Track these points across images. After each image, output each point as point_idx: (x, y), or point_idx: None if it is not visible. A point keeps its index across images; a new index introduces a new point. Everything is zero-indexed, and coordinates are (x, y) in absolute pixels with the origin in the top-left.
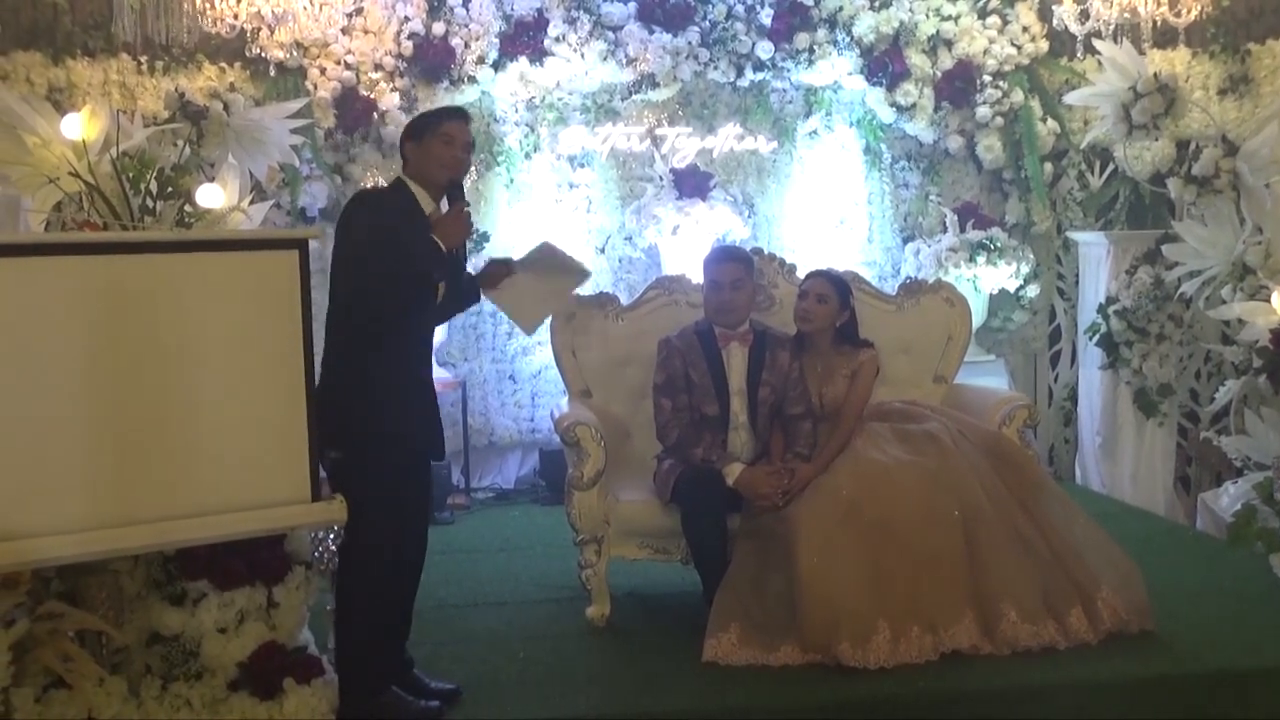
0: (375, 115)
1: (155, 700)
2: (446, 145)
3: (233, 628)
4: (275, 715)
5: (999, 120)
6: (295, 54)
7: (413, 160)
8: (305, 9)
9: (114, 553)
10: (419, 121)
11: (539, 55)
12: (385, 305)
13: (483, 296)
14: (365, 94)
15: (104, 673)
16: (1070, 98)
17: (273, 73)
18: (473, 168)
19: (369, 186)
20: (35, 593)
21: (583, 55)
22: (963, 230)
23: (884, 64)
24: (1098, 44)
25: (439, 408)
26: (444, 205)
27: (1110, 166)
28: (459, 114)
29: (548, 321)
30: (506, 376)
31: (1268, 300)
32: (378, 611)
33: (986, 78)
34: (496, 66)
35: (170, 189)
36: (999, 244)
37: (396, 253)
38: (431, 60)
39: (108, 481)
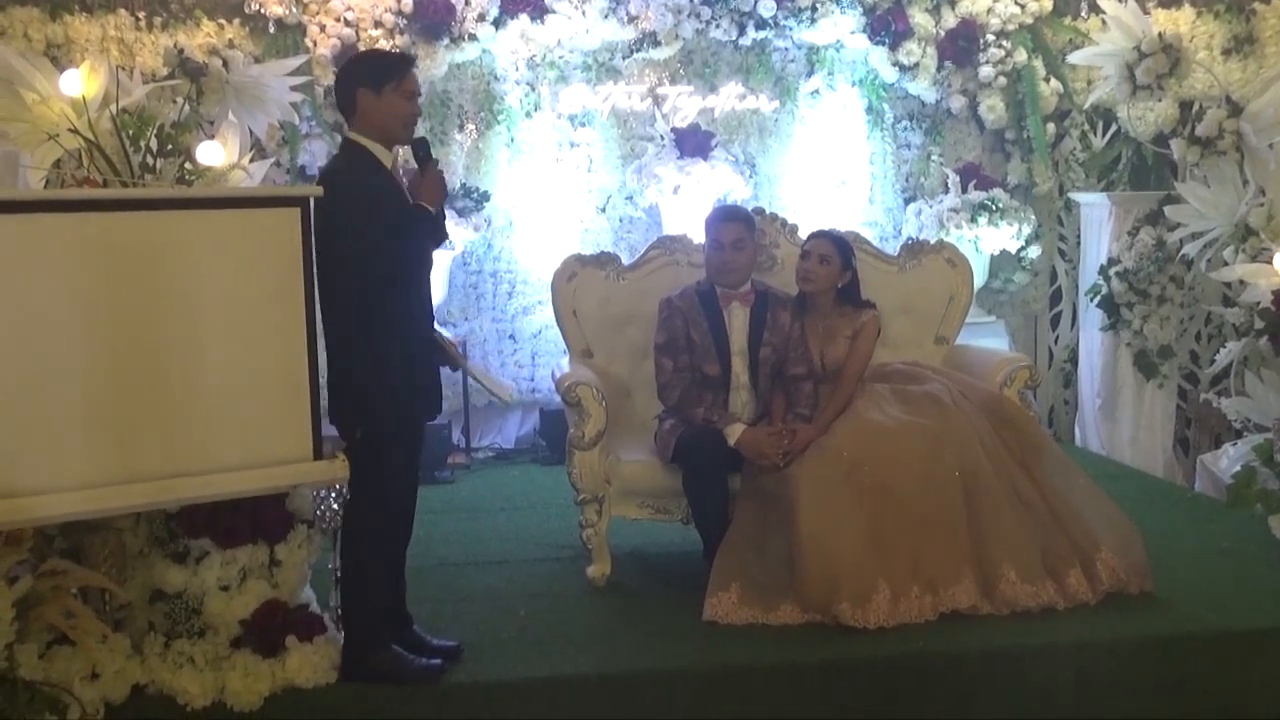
0: None
1: (158, 657)
2: (409, 101)
3: (235, 585)
4: (277, 673)
5: (1002, 80)
6: (294, 10)
7: (368, 111)
8: None
9: (116, 510)
10: (374, 69)
11: (540, 12)
12: (400, 255)
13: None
14: None
15: (107, 630)
16: (1074, 57)
17: (272, 29)
18: (472, 126)
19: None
20: (38, 550)
21: (584, 13)
22: (964, 191)
23: (887, 23)
24: (1102, 3)
25: (440, 370)
26: (399, 156)
27: (1113, 127)
28: (413, 62)
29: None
30: (507, 336)
31: (1270, 262)
32: (381, 571)
33: (990, 37)
34: (497, 24)
35: (170, 146)
36: (1001, 205)
37: (396, 212)
38: (431, 17)
39: (110, 439)
